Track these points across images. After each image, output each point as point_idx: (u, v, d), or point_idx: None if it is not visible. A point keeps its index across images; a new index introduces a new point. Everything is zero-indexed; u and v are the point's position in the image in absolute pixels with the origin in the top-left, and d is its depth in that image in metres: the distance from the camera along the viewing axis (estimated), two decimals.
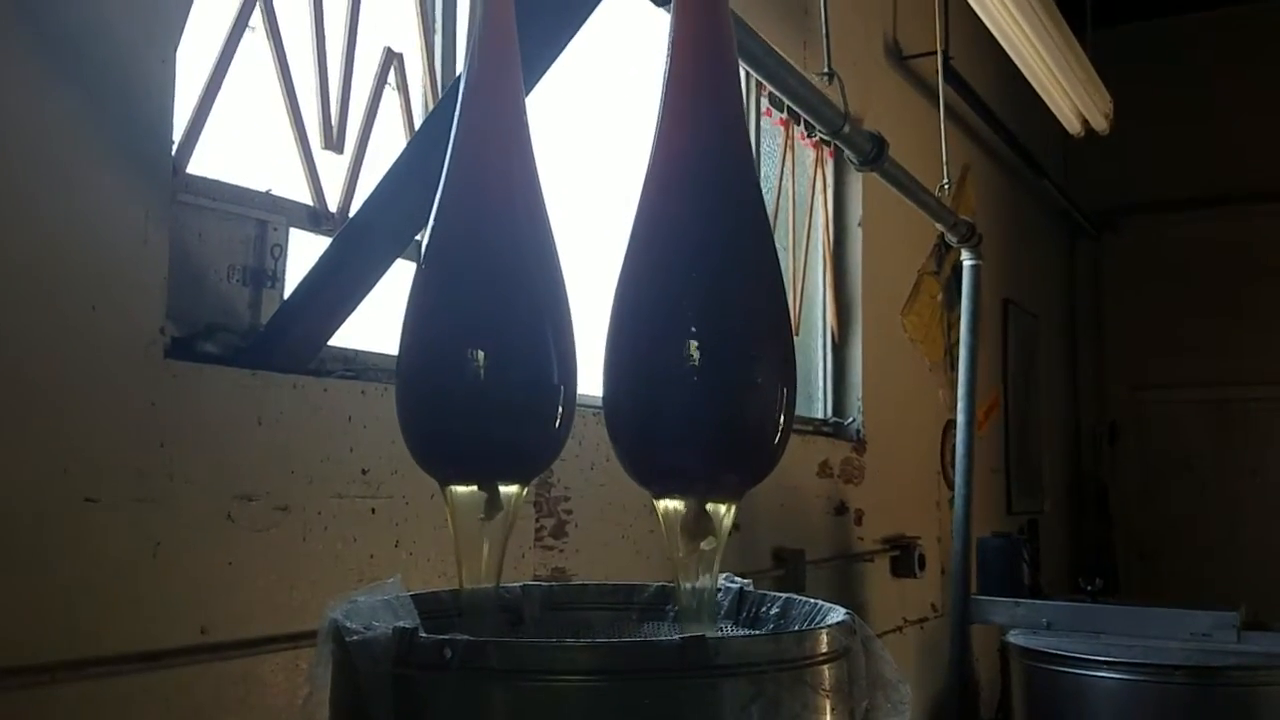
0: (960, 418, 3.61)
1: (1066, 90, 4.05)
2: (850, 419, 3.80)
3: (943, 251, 4.38)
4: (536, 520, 2.12)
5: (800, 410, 3.64)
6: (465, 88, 1.22)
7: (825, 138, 2.94)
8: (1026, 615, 3.46)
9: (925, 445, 4.44)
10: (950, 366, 4.38)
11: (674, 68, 1.14)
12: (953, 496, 3.84)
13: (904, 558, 4.00)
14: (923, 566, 4.03)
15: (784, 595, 1.27)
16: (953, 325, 4.41)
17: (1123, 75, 5.21)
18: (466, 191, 1.21)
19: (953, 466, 3.86)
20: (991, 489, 5.23)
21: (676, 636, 0.95)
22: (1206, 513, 6.41)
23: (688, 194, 1.09)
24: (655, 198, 1.10)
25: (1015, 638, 3.35)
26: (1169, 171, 6.47)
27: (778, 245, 3.56)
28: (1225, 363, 6.41)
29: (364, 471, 1.75)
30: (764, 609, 1.27)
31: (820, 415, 3.76)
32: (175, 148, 1.58)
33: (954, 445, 3.83)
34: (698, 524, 1.10)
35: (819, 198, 3.72)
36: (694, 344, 1.05)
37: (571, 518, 2.21)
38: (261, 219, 1.72)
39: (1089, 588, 3.49)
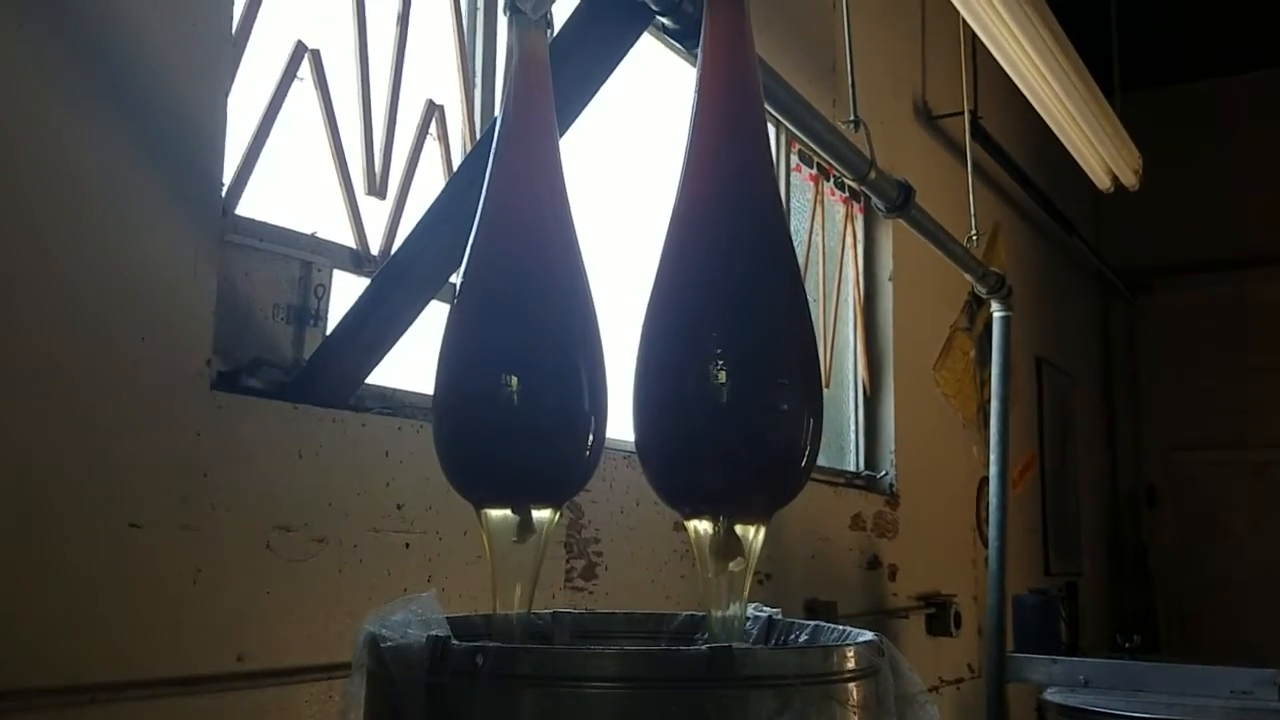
0: (992, 470, 3.59)
1: (1095, 146, 4.09)
2: (883, 472, 3.80)
3: (974, 308, 4.39)
4: (567, 561, 2.14)
5: (832, 462, 3.64)
6: (500, 131, 1.28)
7: (854, 188, 2.98)
8: (1064, 673, 3.40)
9: (960, 502, 4.41)
10: (984, 423, 4.35)
11: (700, 107, 1.19)
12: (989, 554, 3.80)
13: (940, 615, 3.95)
14: (959, 625, 3.98)
15: (813, 623, 1.28)
16: (986, 382, 4.39)
17: (1157, 137, 5.24)
18: (501, 229, 1.25)
19: (988, 523, 3.82)
20: (1029, 550, 5.16)
21: (704, 646, 0.96)
22: (1246, 574, 6.28)
23: (714, 221, 1.13)
24: (683, 226, 1.14)
25: (1053, 695, 3.30)
26: (1202, 233, 6.47)
27: (808, 297, 3.59)
28: (1263, 424, 6.33)
29: (399, 506, 1.79)
30: (793, 636, 1.29)
31: (852, 468, 3.76)
32: (225, 190, 1.65)
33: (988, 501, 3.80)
34: (727, 545, 1.12)
35: (849, 252, 3.76)
36: (721, 367, 1.08)
37: (602, 560, 2.23)
38: (306, 260, 1.78)
39: (1127, 644, 3.43)
